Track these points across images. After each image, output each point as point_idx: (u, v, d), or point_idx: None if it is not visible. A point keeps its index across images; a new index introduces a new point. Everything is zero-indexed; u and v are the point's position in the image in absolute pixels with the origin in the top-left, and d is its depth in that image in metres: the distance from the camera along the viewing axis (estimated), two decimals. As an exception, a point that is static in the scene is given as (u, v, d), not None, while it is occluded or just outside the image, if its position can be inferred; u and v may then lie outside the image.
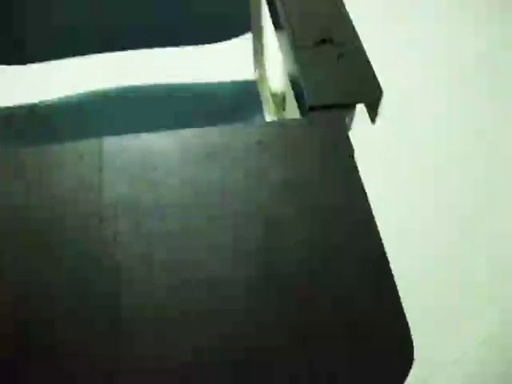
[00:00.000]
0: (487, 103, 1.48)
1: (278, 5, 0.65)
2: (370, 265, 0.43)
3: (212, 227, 0.45)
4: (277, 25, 0.67)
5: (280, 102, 0.89)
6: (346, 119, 0.54)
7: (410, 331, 0.40)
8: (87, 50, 0.82)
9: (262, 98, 0.86)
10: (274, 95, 0.87)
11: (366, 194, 0.47)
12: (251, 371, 0.38)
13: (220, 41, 0.84)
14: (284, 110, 0.90)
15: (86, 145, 0.50)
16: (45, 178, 0.48)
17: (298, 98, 0.58)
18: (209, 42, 0.84)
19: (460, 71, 1.53)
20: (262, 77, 0.89)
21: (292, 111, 0.88)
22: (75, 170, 0.48)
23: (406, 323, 0.40)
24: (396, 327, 0.40)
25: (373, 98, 0.55)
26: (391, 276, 0.43)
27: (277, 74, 0.89)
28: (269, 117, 0.84)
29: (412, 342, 0.40)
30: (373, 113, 0.57)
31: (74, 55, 0.81)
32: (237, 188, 0.48)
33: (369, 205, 0.47)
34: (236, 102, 0.86)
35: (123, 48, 0.84)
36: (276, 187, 0.48)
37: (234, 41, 0.85)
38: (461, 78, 1.52)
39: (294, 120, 0.56)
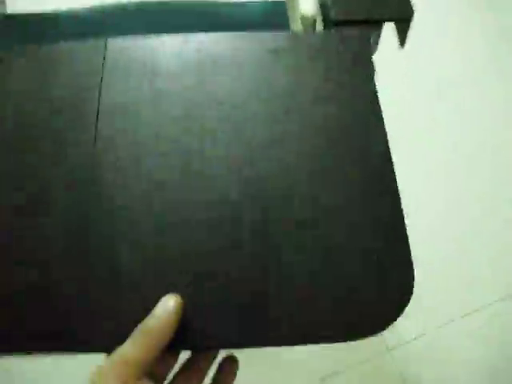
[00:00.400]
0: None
1: None
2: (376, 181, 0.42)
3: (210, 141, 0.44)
4: None
5: (310, 25, 0.85)
6: (372, 38, 0.51)
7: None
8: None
9: (291, 21, 0.82)
10: (303, 18, 0.83)
11: (382, 119, 0.45)
12: (256, 315, 0.38)
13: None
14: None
15: (92, 44, 0.48)
16: (48, 75, 0.47)
17: (324, 13, 0.55)
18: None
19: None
20: (293, -2, 0.84)
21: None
22: (78, 68, 0.47)
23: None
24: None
25: (404, 15, 0.51)
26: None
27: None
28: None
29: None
30: (402, 34, 0.54)
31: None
32: (238, 100, 0.46)
33: (384, 131, 0.44)
34: (264, 22, 0.82)
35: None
36: (281, 100, 0.45)
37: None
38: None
39: (315, 34, 0.53)
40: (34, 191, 0.41)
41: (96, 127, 0.44)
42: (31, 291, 0.38)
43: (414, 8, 0.51)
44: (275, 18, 0.83)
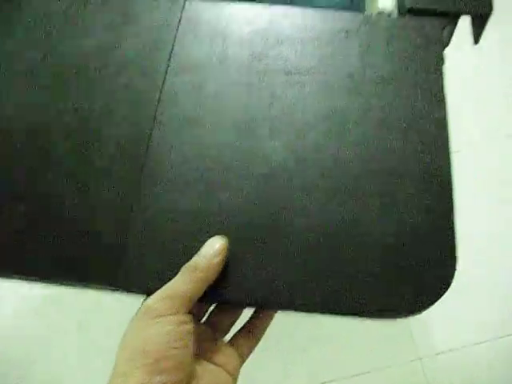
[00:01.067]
0: None
1: None
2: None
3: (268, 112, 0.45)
4: None
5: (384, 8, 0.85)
6: (446, 30, 0.51)
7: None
8: None
9: (367, 12, 0.81)
10: (379, 12, 0.83)
11: (446, 106, 0.45)
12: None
13: None
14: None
15: (171, 2, 0.51)
16: (124, 26, 0.50)
17: (400, 0, 0.55)
18: None
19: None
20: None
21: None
22: (154, 23, 0.50)
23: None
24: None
25: (481, 10, 0.50)
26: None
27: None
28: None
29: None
30: (478, 30, 0.53)
31: None
32: (303, 72, 0.46)
33: (447, 119, 0.44)
34: (342, 7, 0.83)
35: None
36: (343, 80, 0.46)
37: None
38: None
39: (388, 19, 0.53)
40: (85, 140, 0.44)
41: (164, 82, 0.46)
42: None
43: (492, 4, 0.51)
44: (354, 9, 0.83)
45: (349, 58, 0.47)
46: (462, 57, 1.12)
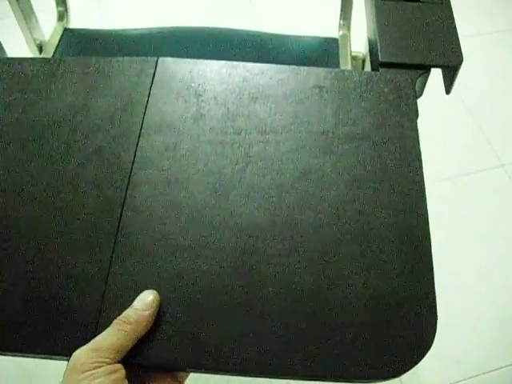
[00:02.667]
0: None
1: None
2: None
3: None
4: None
5: (359, 65, 0.86)
6: (418, 82, 0.51)
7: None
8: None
9: (341, 59, 0.83)
10: (353, 57, 0.85)
11: (421, 162, 0.45)
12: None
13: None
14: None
15: (143, 61, 0.51)
16: (97, 87, 0.49)
17: (372, 53, 0.56)
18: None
19: None
20: (345, 37, 0.86)
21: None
22: (127, 82, 0.49)
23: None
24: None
25: (452, 62, 0.51)
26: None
27: (360, 36, 0.86)
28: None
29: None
30: (448, 80, 0.54)
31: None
32: (278, 130, 0.47)
33: (422, 176, 0.44)
34: (314, 56, 0.84)
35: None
36: (317, 136, 0.46)
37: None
38: None
39: (362, 72, 0.54)
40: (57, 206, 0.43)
41: (137, 143, 0.45)
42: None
43: (462, 55, 0.52)
44: (325, 54, 0.84)
45: (323, 114, 0.47)
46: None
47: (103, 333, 0.36)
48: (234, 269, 0.40)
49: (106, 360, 0.34)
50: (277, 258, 0.40)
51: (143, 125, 0.46)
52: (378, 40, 0.53)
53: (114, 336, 0.36)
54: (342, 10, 0.85)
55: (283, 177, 0.44)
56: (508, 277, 1.15)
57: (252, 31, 0.89)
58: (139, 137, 0.46)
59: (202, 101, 0.48)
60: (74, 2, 0.90)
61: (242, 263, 0.40)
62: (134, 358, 0.36)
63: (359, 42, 0.88)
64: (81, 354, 0.34)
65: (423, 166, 0.44)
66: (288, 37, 0.88)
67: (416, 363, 0.37)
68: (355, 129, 0.46)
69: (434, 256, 0.40)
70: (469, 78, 1.33)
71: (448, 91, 0.55)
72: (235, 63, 0.51)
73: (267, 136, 0.46)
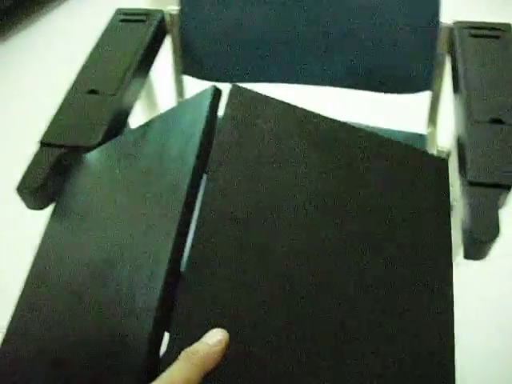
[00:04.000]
0: None
1: (460, 71, 0.69)
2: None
3: None
4: (456, 88, 0.71)
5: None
6: (500, 199, 0.55)
7: None
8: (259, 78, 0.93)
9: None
10: (439, 152, 0.90)
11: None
12: None
13: (399, 93, 0.89)
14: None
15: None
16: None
17: (461, 167, 0.62)
18: (388, 92, 0.89)
19: None
20: (432, 134, 0.92)
21: (451, 169, 0.90)
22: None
23: None
24: None
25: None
26: None
27: (447, 132, 0.91)
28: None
29: None
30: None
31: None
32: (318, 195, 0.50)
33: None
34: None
35: (296, 81, 0.93)
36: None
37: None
38: None
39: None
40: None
41: None
42: None
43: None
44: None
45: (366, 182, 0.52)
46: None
47: (173, 365, 0.36)
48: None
49: None
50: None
51: None
52: (468, 158, 0.58)
53: (183, 371, 0.35)
54: (430, 108, 0.92)
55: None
56: None
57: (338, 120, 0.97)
58: None
59: None
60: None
61: None
62: None
63: (444, 136, 0.94)
64: None
65: None
66: (374, 128, 0.95)
67: None
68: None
69: None
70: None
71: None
72: None
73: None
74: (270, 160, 0.49)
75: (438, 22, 0.80)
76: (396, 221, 0.50)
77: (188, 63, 0.90)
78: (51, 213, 0.60)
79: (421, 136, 0.92)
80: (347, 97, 1.01)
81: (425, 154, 0.58)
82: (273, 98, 0.54)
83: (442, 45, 0.82)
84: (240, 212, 0.46)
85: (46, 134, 0.65)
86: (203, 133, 0.48)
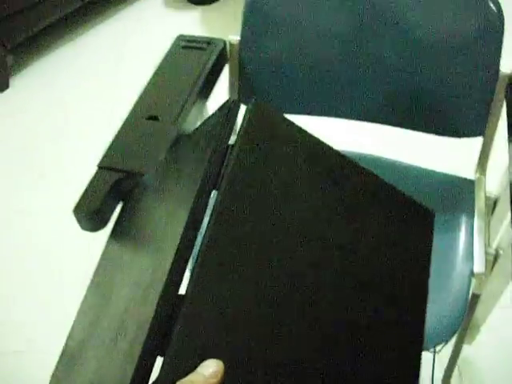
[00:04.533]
0: None
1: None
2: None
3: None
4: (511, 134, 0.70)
5: (491, 205, 0.91)
6: None
7: None
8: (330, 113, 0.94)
9: (477, 201, 0.88)
10: (486, 198, 0.89)
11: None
12: None
13: (452, 136, 0.88)
14: (492, 213, 0.91)
15: None
16: None
17: None
18: (442, 135, 0.89)
19: None
20: (480, 180, 0.91)
21: (500, 216, 0.89)
22: None
23: None
24: None
25: None
26: None
27: (496, 178, 0.91)
28: (477, 217, 0.86)
29: None
30: None
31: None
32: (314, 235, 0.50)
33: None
34: (448, 193, 0.90)
35: (352, 117, 0.94)
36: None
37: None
38: None
39: None
40: None
41: None
42: None
43: None
44: (461, 194, 0.90)
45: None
46: None
47: None
48: None
49: None
50: None
51: None
52: None
53: None
54: (481, 153, 0.91)
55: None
56: None
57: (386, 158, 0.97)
58: None
59: None
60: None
61: None
62: None
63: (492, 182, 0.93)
64: None
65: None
66: (423, 169, 0.95)
67: None
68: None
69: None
70: None
71: None
72: None
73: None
74: (278, 191, 0.49)
75: (497, 70, 0.80)
76: (382, 272, 0.51)
77: (244, 92, 0.91)
78: (109, 234, 0.62)
79: (470, 181, 0.91)
80: (392, 134, 1.01)
81: (416, 203, 0.58)
82: (289, 120, 0.54)
83: (499, 92, 0.82)
84: (244, 241, 0.45)
85: (105, 157, 0.67)
86: (214, 151, 0.49)
